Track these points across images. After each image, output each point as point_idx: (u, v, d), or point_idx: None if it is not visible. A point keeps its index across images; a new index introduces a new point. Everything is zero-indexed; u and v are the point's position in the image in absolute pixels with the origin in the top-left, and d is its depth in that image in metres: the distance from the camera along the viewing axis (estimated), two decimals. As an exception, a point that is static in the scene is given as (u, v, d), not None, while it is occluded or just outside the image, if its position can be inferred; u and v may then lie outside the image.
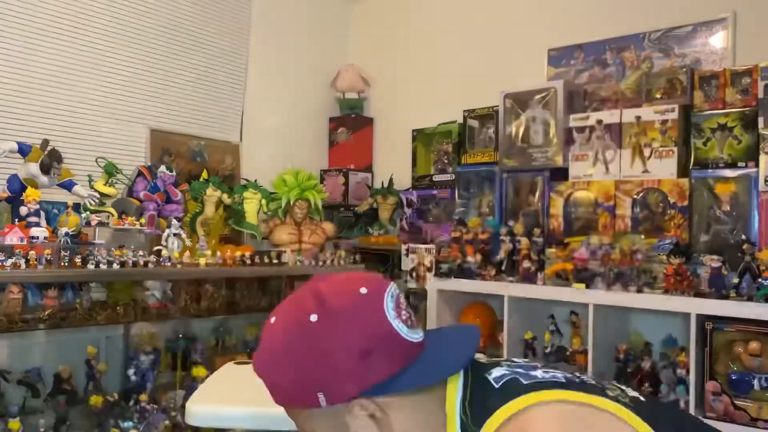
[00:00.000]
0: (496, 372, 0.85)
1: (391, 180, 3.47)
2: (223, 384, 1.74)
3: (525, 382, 0.82)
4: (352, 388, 0.80)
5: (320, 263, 2.99)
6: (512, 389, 0.81)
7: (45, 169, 2.28)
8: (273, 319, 0.86)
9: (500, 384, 0.83)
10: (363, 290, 0.83)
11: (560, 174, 2.79)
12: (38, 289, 2.22)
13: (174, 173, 2.71)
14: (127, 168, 2.71)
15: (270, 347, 0.84)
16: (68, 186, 2.37)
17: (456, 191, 3.20)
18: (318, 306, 0.82)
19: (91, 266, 2.18)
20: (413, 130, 3.54)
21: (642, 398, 0.86)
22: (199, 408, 1.43)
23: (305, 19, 3.70)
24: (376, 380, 0.80)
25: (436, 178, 3.38)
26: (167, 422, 2.37)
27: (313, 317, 0.81)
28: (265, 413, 1.39)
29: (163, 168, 2.67)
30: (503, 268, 2.65)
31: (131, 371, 2.48)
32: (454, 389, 0.84)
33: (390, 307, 0.82)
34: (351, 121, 3.79)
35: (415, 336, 0.84)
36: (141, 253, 2.34)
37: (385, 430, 0.82)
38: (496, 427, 0.77)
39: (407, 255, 3.19)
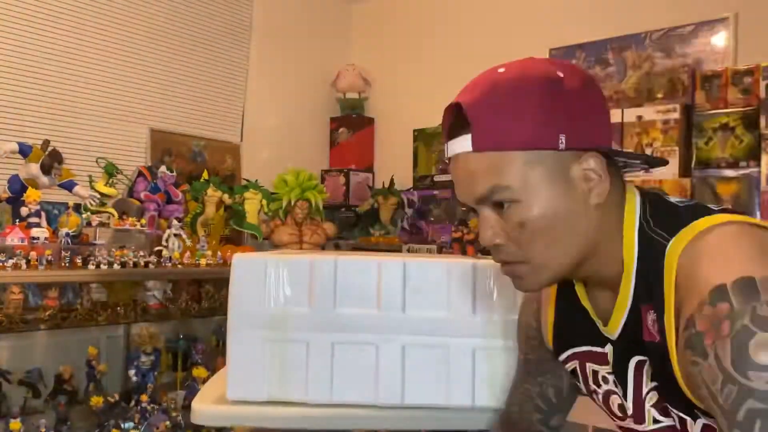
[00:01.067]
0: (674, 199, 0.86)
1: (392, 180, 3.46)
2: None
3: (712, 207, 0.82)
4: (594, 138, 0.80)
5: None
6: (701, 209, 0.81)
7: (46, 170, 2.28)
8: (501, 70, 0.85)
9: (684, 204, 0.84)
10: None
11: (561, 174, 2.79)
12: (39, 289, 2.22)
13: (174, 173, 2.70)
14: (128, 168, 2.71)
15: (506, 91, 0.81)
16: (69, 186, 2.37)
17: (457, 191, 3.19)
18: (560, 69, 0.83)
19: (91, 267, 2.18)
20: (414, 130, 3.54)
21: None
22: (205, 407, 1.42)
23: (306, 20, 3.70)
24: (608, 142, 0.82)
25: (438, 178, 3.38)
26: (168, 423, 2.36)
27: (560, 74, 0.81)
28: (268, 412, 1.39)
29: (163, 168, 2.66)
30: (504, 268, 2.65)
31: (132, 372, 2.47)
32: (633, 196, 0.85)
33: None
34: (352, 121, 3.79)
35: None
36: (141, 253, 2.34)
37: (598, 190, 0.81)
38: (690, 238, 0.76)
39: (408, 255, 3.19)
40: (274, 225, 3.04)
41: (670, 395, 0.80)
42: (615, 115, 2.64)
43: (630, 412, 0.87)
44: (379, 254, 1.39)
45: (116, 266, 2.24)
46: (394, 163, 3.62)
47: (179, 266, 2.45)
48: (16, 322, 2.06)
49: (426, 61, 3.58)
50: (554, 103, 0.79)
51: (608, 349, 0.89)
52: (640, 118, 2.58)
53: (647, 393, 0.84)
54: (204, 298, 2.66)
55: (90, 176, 2.51)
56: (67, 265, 2.14)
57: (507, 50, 3.24)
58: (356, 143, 3.77)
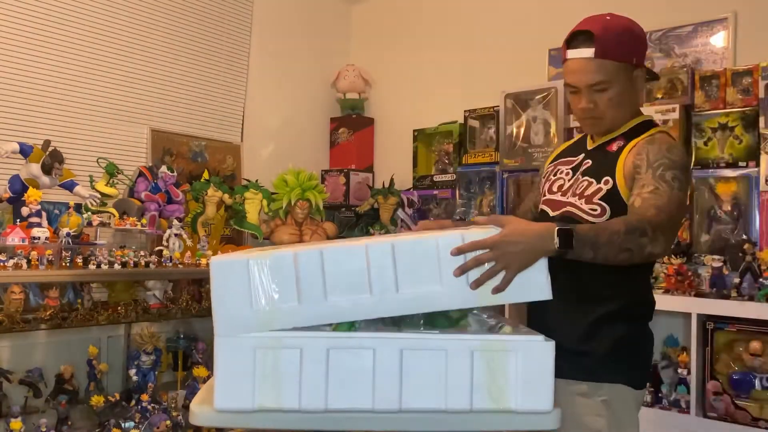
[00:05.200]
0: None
1: (392, 180, 3.47)
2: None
3: None
4: (642, 61, 1.54)
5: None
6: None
7: (46, 170, 2.28)
8: (608, 18, 1.55)
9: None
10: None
11: (561, 174, 2.79)
12: (40, 289, 2.22)
13: (175, 173, 2.71)
14: (129, 168, 2.72)
15: (615, 29, 1.53)
16: (69, 186, 2.38)
17: (457, 191, 3.20)
18: (634, 24, 1.61)
19: (92, 266, 2.18)
20: (414, 130, 3.55)
21: None
22: (204, 408, 1.43)
23: (306, 20, 3.70)
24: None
25: (437, 178, 3.38)
26: (168, 422, 2.37)
27: (635, 27, 1.58)
28: (271, 412, 1.39)
29: (164, 168, 2.67)
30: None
31: (132, 371, 2.48)
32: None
33: None
34: (352, 122, 3.79)
35: None
36: (142, 253, 2.34)
37: (641, 87, 1.56)
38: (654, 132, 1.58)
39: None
40: (275, 225, 3.04)
41: (598, 178, 1.48)
42: (614, 115, 2.65)
43: (565, 187, 1.55)
44: (367, 238, 1.38)
45: (117, 266, 2.24)
46: (394, 163, 3.63)
47: (180, 266, 2.45)
48: (17, 322, 2.07)
49: (426, 62, 3.59)
50: (634, 40, 1.52)
51: (580, 156, 1.57)
52: (639, 118, 2.58)
53: (582, 180, 1.51)
54: (204, 297, 2.66)
55: (91, 176, 2.51)
56: (67, 265, 2.14)
57: (507, 50, 3.26)
58: (356, 143, 3.78)
